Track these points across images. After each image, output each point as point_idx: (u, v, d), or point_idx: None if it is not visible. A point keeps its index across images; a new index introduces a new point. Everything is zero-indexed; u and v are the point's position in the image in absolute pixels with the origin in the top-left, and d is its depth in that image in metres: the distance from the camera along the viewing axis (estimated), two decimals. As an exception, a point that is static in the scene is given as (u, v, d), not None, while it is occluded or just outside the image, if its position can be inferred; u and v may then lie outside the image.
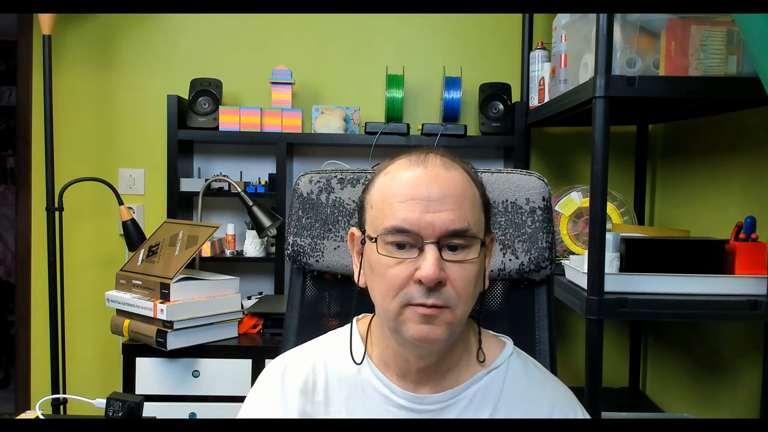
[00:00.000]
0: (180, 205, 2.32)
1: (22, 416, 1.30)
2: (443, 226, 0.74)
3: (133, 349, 1.88)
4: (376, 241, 0.77)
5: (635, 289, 1.45)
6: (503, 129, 2.28)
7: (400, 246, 0.75)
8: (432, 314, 0.74)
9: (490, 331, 0.91)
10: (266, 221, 2.13)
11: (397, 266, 0.75)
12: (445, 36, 2.43)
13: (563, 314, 2.40)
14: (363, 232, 0.81)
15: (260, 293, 2.39)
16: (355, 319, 0.91)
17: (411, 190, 0.75)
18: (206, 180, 2.26)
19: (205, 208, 2.43)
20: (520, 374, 0.84)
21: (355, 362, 0.84)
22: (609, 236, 1.48)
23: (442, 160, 0.79)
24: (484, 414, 0.82)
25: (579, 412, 0.84)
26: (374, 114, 2.43)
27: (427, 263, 0.72)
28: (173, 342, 1.79)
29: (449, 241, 0.74)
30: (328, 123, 2.27)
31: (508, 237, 1.00)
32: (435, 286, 0.73)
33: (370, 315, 0.89)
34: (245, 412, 0.87)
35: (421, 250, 0.74)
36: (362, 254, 0.82)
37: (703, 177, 1.96)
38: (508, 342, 0.88)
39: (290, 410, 0.84)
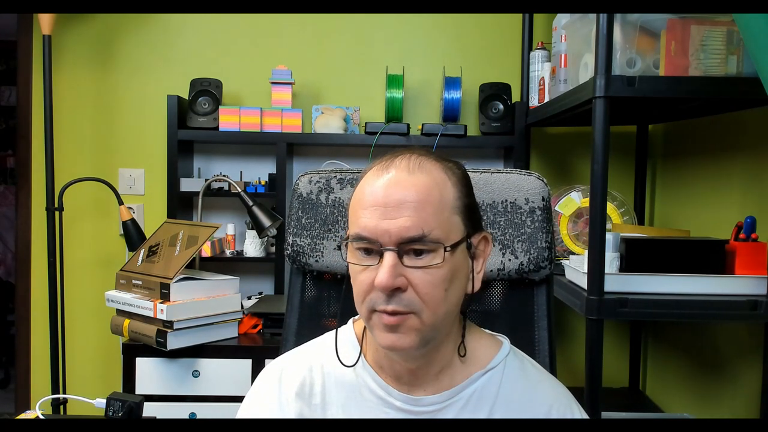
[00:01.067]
0: (180, 205, 2.32)
1: (22, 416, 1.29)
2: (398, 233, 0.73)
3: (133, 349, 1.88)
4: (345, 247, 0.78)
5: (635, 289, 1.45)
6: (503, 129, 2.28)
7: (368, 252, 0.76)
8: (395, 323, 0.74)
9: (487, 330, 0.90)
10: (266, 221, 2.13)
11: (363, 272, 0.76)
12: (445, 36, 2.43)
13: (563, 314, 2.40)
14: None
15: (260, 293, 2.39)
16: (351, 320, 0.91)
17: (371, 197, 0.75)
18: (206, 180, 2.26)
19: (205, 208, 2.43)
20: (517, 374, 0.84)
21: (343, 365, 0.84)
22: (609, 236, 1.48)
23: (409, 162, 0.77)
24: (481, 415, 0.81)
25: (577, 412, 0.84)
26: (374, 114, 2.43)
27: (382, 270, 0.73)
28: (173, 342, 1.79)
29: (411, 246, 0.74)
30: (328, 123, 2.27)
31: (507, 237, 1.00)
32: (394, 292, 0.73)
33: None
34: (243, 415, 0.87)
35: (382, 256, 0.74)
36: None
37: (703, 177, 1.95)
38: (505, 341, 0.88)
39: (287, 414, 0.84)
